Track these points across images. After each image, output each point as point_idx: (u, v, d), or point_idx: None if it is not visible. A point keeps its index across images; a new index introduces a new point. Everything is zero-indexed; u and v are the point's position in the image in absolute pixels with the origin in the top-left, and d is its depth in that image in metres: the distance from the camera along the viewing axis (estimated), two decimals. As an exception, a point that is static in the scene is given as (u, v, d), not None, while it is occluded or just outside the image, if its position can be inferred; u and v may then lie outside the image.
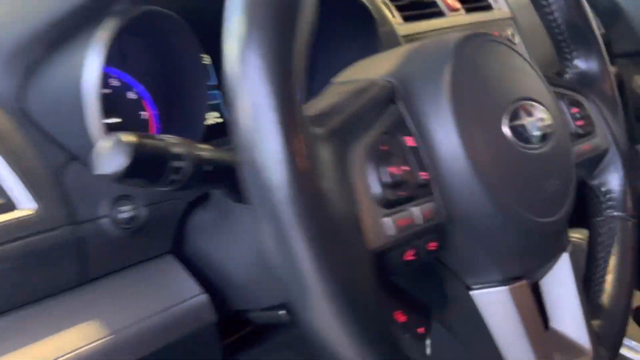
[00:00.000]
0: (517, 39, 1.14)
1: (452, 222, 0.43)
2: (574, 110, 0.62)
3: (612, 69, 0.67)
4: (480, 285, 0.47)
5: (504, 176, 0.44)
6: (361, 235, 0.36)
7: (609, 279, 0.60)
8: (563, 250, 0.53)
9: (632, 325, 1.03)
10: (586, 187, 0.67)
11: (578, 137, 0.61)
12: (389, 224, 0.38)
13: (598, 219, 0.65)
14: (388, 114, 0.43)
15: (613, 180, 0.65)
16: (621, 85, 1.78)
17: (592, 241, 0.64)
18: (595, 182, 0.66)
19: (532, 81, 0.51)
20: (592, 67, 0.66)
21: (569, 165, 0.51)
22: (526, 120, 0.47)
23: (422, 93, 0.44)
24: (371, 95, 0.43)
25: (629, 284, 0.60)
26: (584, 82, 0.66)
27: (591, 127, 0.63)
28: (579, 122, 0.62)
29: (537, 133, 0.48)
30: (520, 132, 0.46)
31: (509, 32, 1.14)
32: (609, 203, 0.65)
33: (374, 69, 0.48)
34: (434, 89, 0.44)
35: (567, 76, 0.67)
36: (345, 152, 0.37)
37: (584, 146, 0.61)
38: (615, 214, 0.64)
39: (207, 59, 0.79)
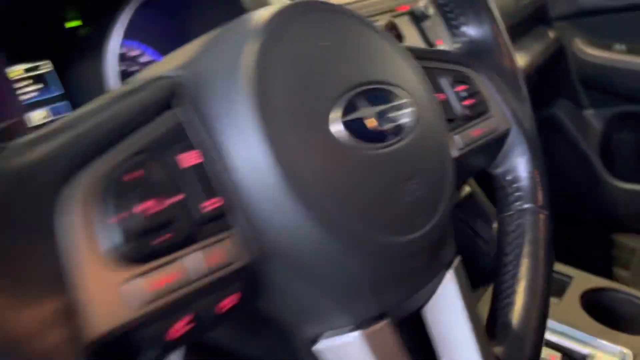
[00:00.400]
0: (431, 11, 1.03)
1: (268, 259, 0.32)
2: (460, 88, 0.51)
3: (506, 35, 0.57)
4: (326, 335, 0.35)
5: (336, 188, 0.33)
6: (76, 321, 0.24)
7: (520, 288, 0.49)
8: (445, 267, 0.42)
9: (580, 315, 0.94)
10: (491, 177, 0.56)
11: (467, 119, 0.50)
12: (136, 290, 0.26)
13: (505, 214, 0.54)
14: (158, 124, 0.31)
15: (519, 167, 0.54)
16: (562, 50, 1.70)
17: (500, 242, 0.53)
18: (498, 170, 0.55)
19: (384, 59, 0.40)
20: (483, 34, 0.56)
21: (440, 160, 0.40)
22: (368, 111, 0.36)
23: (216, 88, 0.33)
24: (134, 101, 0.31)
25: (543, 292, 0.50)
26: (476, 54, 0.56)
27: (483, 106, 0.53)
28: (468, 102, 0.51)
29: (386, 126, 0.37)
30: (359, 128, 0.35)
31: (422, 4, 1.03)
32: (517, 194, 0.54)
33: (171, 62, 0.37)
34: (231, 81, 0.32)
35: (455, 47, 0.56)
36: (53, 194, 0.25)
37: (475, 130, 0.51)
38: (525, 206, 0.53)
39: (47, 66, 0.67)
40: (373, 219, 0.34)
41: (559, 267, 1.04)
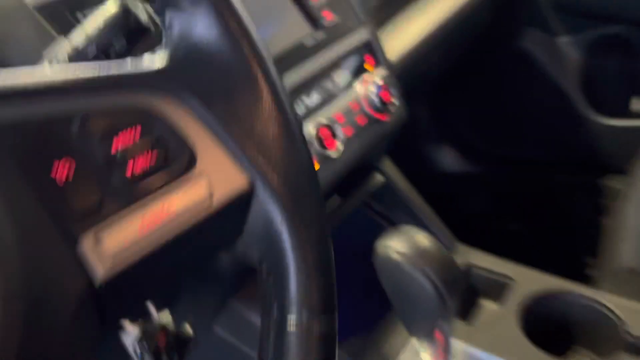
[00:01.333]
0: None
1: None
2: (125, 135, 0.29)
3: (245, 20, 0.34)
4: None
5: None
6: None
7: None
8: None
9: (518, 339, 0.73)
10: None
11: (143, 192, 0.29)
12: None
13: (263, 325, 0.33)
14: None
15: (273, 247, 0.33)
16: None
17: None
18: (248, 255, 0.34)
19: None
20: (192, 25, 0.33)
21: None
22: None
23: None
24: None
25: None
26: (191, 68, 0.33)
27: (182, 158, 0.31)
28: (143, 158, 0.29)
29: None
30: None
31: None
32: (276, 292, 0.33)
33: None
34: None
35: (160, 59, 0.33)
36: None
37: (169, 203, 0.29)
38: (288, 314, 0.32)
39: None
40: None
41: (497, 264, 0.83)
